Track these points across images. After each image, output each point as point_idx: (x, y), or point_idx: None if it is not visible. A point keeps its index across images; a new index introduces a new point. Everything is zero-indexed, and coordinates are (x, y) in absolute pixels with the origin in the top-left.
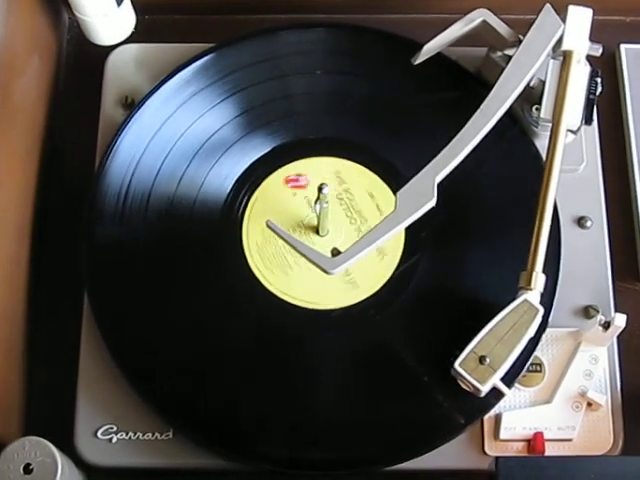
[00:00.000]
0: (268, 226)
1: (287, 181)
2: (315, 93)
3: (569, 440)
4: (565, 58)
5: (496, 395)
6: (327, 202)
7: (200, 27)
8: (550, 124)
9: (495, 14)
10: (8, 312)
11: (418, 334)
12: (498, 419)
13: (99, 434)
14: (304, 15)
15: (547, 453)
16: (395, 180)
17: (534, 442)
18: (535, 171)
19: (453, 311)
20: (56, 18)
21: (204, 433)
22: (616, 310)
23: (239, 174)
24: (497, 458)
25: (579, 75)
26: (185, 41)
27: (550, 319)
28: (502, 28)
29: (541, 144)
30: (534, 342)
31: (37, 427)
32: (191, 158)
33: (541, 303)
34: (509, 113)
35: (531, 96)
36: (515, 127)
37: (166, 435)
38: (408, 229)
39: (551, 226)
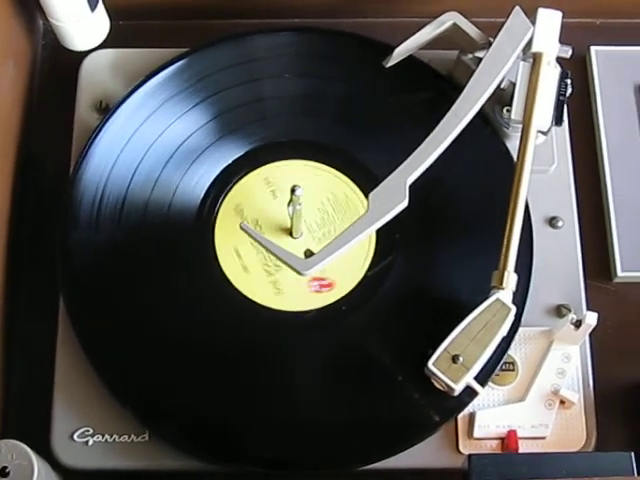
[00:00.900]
0: (242, 228)
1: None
2: (287, 97)
3: (542, 438)
4: (535, 60)
5: (470, 394)
6: (300, 204)
7: (174, 32)
8: (521, 125)
9: (465, 17)
10: None
11: (392, 334)
12: (472, 418)
13: (75, 437)
14: (277, 20)
15: (521, 451)
16: (368, 181)
17: (508, 440)
18: (507, 172)
19: (427, 311)
20: (30, 24)
21: (180, 435)
22: (588, 309)
23: (213, 178)
24: (470, 455)
25: (549, 77)
26: (159, 46)
27: (523, 318)
28: (472, 31)
29: (512, 145)
30: (507, 341)
31: (13, 430)
32: (165, 162)
33: (514, 302)
34: (480, 115)
35: (502, 98)
36: (486, 128)
37: (142, 437)
38: (381, 230)
39: (523, 226)
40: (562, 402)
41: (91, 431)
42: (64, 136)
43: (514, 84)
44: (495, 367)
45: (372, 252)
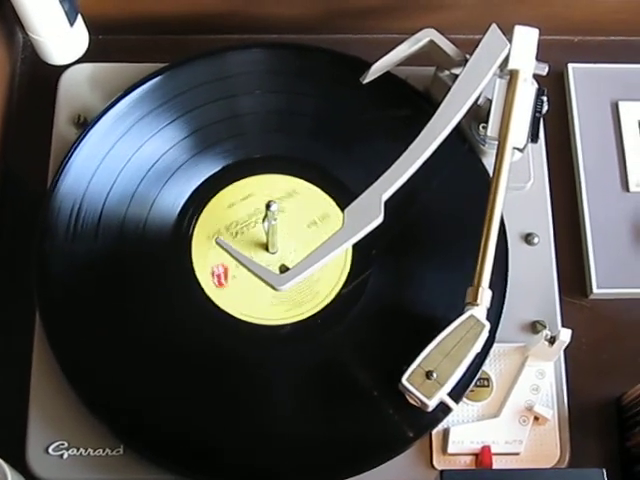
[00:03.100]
0: (218, 243)
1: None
2: (263, 112)
3: (516, 454)
4: (511, 77)
5: (444, 409)
6: (275, 219)
7: (153, 47)
8: (497, 142)
9: (443, 33)
10: None
11: (367, 349)
12: (446, 433)
13: (50, 450)
14: (255, 35)
15: (495, 467)
16: (343, 197)
17: (482, 456)
18: (482, 188)
19: (402, 326)
20: (10, 38)
21: (154, 449)
22: (563, 325)
23: (189, 193)
24: (442, 472)
25: (525, 94)
26: (138, 61)
27: (498, 334)
28: (449, 48)
29: (488, 161)
30: (482, 357)
31: None
32: (142, 177)
33: (489, 318)
34: (457, 131)
35: (478, 114)
36: (463, 145)
37: (117, 451)
38: (357, 245)
39: (498, 243)
40: (536, 418)
41: (66, 445)
42: (42, 150)
43: (490, 101)
44: (470, 383)
45: (348, 268)
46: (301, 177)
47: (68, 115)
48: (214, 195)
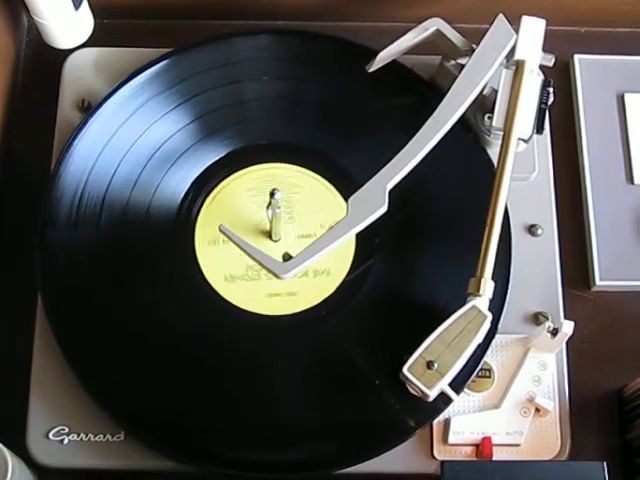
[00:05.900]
0: (221, 231)
1: None
2: (269, 99)
3: (517, 445)
4: (518, 68)
5: (445, 400)
6: (279, 207)
7: (158, 32)
8: (502, 132)
9: (449, 23)
10: None
11: (370, 338)
12: (447, 423)
13: (51, 435)
14: (263, 21)
15: (495, 458)
16: (347, 186)
17: (482, 447)
18: (487, 179)
19: (405, 316)
20: (15, 21)
21: (155, 435)
22: (566, 317)
23: (193, 179)
24: (442, 462)
25: (531, 85)
26: (143, 46)
27: (500, 325)
28: (455, 37)
29: (493, 152)
30: (484, 348)
31: None
32: (146, 163)
33: (491, 309)
34: (462, 121)
35: (484, 105)
36: (468, 135)
37: (117, 437)
38: (360, 234)
39: (502, 233)
40: (537, 410)
41: (67, 430)
42: (46, 133)
43: (496, 91)
44: (471, 373)
45: (352, 256)
46: (305, 165)
47: (72, 99)
48: (219, 182)
